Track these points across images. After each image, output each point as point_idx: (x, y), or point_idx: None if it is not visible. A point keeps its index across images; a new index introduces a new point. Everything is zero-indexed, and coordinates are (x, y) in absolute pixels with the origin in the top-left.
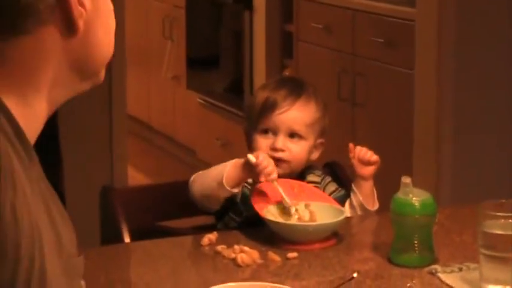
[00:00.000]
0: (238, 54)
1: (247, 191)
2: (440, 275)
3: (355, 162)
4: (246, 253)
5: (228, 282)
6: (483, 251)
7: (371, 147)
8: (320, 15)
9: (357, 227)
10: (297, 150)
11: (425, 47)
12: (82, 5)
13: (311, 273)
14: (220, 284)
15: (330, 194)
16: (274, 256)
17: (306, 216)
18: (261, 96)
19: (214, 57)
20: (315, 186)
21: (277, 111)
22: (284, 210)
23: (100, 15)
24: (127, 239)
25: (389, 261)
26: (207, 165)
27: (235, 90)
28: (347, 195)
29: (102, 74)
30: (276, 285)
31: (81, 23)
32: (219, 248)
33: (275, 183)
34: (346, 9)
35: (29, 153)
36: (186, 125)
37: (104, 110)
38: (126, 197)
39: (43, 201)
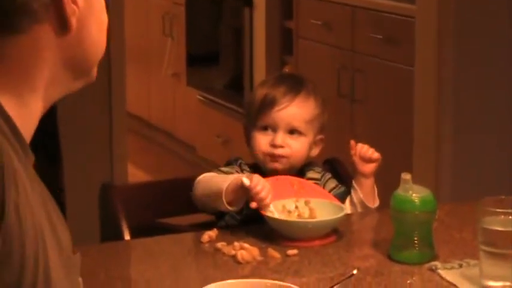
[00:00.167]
0: (238, 51)
1: None
2: (440, 271)
3: (356, 159)
4: (246, 250)
5: (228, 279)
6: (483, 247)
7: (371, 144)
8: (320, 12)
9: (357, 224)
10: (296, 147)
11: (425, 44)
12: (75, 2)
13: (311, 270)
14: (220, 281)
15: (330, 191)
16: (274, 253)
17: (306, 213)
18: (260, 93)
19: (214, 54)
20: (315, 183)
21: (277, 108)
22: (284, 207)
23: (93, 12)
24: (127, 236)
25: (390, 257)
26: (207, 162)
27: (235, 87)
28: (347, 192)
29: (95, 71)
30: (276, 282)
31: (74, 21)
32: (219, 245)
33: (271, 207)
34: (345, 6)
35: (26, 152)
36: (186, 122)
37: (103, 108)
38: (126, 194)
39: (42, 199)
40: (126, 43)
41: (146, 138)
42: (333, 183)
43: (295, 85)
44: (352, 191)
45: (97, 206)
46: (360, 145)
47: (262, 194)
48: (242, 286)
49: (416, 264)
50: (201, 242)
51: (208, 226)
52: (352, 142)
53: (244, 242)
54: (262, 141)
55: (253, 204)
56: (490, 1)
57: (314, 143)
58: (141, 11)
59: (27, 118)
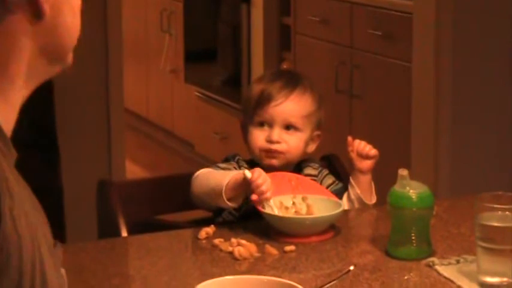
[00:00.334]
0: (236, 48)
1: None
2: (437, 267)
3: (353, 155)
4: (243, 246)
5: (226, 275)
6: (480, 243)
7: (368, 140)
8: (317, 8)
9: (354, 220)
10: (293, 142)
11: (423, 40)
12: None
13: (308, 266)
14: (217, 277)
15: (327, 187)
16: (271, 249)
17: (303, 209)
18: (256, 89)
19: (212, 50)
20: (312, 179)
21: (273, 104)
22: (281, 203)
23: None
24: (124, 233)
25: (387, 254)
26: (205, 158)
27: (233, 83)
28: (344, 188)
29: (71, 56)
30: (273, 278)
31: (47, 8)
32: (217, 241)
33: (271, 201)
34: (343, 2)
35: (8, 148)
36: (184, 118)
37: (101, 104)
38: (123, 191)
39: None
40: (123, 39)
41: (144, 134)
42: (330, 179)
43: (291, 81)
44: (350, 187)
45: (95, 203)
46: (357, 141)
47: (264, 187)
48: (239, 282)
49: (414, 260)
50: (199, 239)
51: (205, 223)
52: (350, 138)
53: (242, 238)
54: (259, 137)
55: (254, 197)
56: None
57: (311, 139)
58: (139, 7)
59: (7, 113)
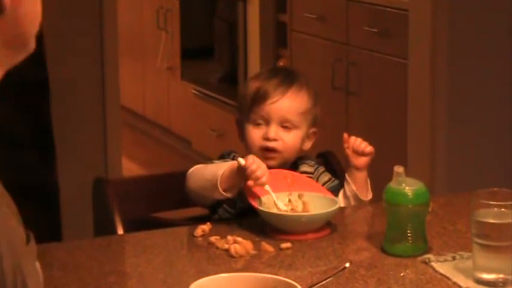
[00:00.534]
0: (233, 45)
1: None
2: (433, 264)
3: (349, 152)
4: (239, 244)
5: (222, 273)
6: (476, 240)
7: (365, 137)
8: (314, 5)
9: (350, 217)
10: (289, 140)
11: (419, 37)
12: None
13: (304, 263)
14: (213, 274)
15: (323, 184)
16: (267, 247)
17: (299, 206)
18: (252, 86)
19: (208, 48)
20: (308, 177)
21: (269, 101)
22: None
23: None
24: (120, 231)
25: (383, 250)
26: (202, 156)
27: (230, 80)
28: (340, 185)
29: (33, 42)
30: (269, 275)
31: (8, 1)
32: (213, 238)
33: (266, 186)
34: None
35: None
36: (181, 115)
37: (97, 102)
38: (120, 188)
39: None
40: (120, 37)
41: (141, 132)
42: (326, 176)
43: (287, 78)
44: (345, 184)
45: (91, 200)
46: (353, 138)
47: (258, 173)
48: (235, 280)
49: (410, 257)
50: (195, 236)
51: (202, 220)
52: (345, 135)
53: (238, 235)
54: (255, 134)
55: (250, 183)
56: None
57: (307, 136)
58: (135, 5)
59: None
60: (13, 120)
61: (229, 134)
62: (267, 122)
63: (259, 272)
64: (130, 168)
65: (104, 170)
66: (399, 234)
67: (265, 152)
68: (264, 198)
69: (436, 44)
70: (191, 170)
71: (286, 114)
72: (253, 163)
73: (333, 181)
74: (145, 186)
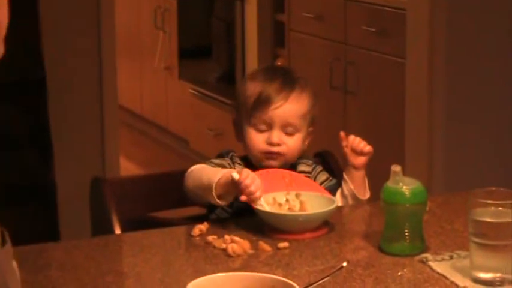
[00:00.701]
0: (230, 45)
1: None
2: (431, 263)
3: (347, 151)
4: (236, 243)
5: (219, 272)
6: (473, 239)
7: (363, 136)
8: (311, 5)
9: (347, 216)
10: (292, 143)
11: (417, 36)
12: None
13: (302, 262)
14: (211, 274)
15: (320, 184)
16: (265, 246)
17: (297, 206)
18: (252, 89)
19: (206, 47)
20: (306, 176)
21: (272, 106)
22: (275, 200)
23: None
24: (118, 230)
25: (380, 250)
26: (200, 155)
27: (228, 80)
28: (338, 185)
29: (2, 47)
30: (266, 275)
31: None
32: (210, 238)
33: (262, 200)
34: None
35: None
36: (179, 115)
37: (95, 101)
38: (117, 188)
39: None
40: (117, 37)
41: (138, 131)
42: (323, 176)
43: (288, 80)
44: (343, 183)
45: (88, 200)
46: (352, 137)
47: (252, 188)
48: (233, 279)
49: (407, 256)
50: (192, 236)
51: (199, 220)
52: (342, 134)
53: (235, 235)
54: (258, 139)
55: (243, 198)
56: None
57: (306, 136)
58: (133, 4)
59: None
60: (11, 119)
61: (227, 134)
62: (270, 126)
63: (257, 272)
64: (128, 167)
65: (102, 170)
66: (397, 233)
67: (268, 155)
68: (261, 199)
69: (434, 43)
70: (190, 170)
71: (288, 119)
72: (247, 178)
73: (331, 180)
74: (143, 186)
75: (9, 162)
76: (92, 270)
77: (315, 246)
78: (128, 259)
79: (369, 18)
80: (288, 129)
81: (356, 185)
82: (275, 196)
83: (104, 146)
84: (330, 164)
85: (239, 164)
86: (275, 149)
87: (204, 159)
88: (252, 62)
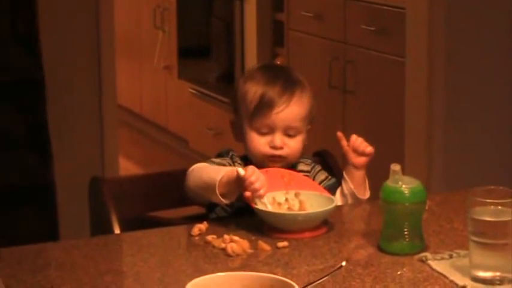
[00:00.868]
0: (230, 44)
1: None
2: (430, 262)
3: (349, 150)
4: (236, 243)
5: (218, 272)
6: (473, 237)
7: (362, 135)
8: (311, 4)
9: (347, 216)
10: (294, 145)
11: (416, 35)
12: None
13: (301, 262)
14: (210, 273)
15: (320, 183)
16: (264, 245)
17: (296, 205)
18: (253, 92)
19: (205, 47)
20: (305, 175)
21: (275, 111)
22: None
23: None
24: (117, 230)
25: (380, 249)
26: (199, 154)
27: (227, 79)
28: (337, 184)
29: None
30: (265, 274)
31: None
32: (209, 237)
33: (264, 199)
34: None
35: None
36: (178, 114)
37: (94, 101)
38: (116, 187)
39: None
40: (117, 36)
41: (138, 131)
42: (322, 175)
43: (290, 83)
44: (343, 182)
45: (87, 199)
46: (354, 137)
47: (257, 185)
48: (232, 279)
49: (407, 255)
50: (191, 235)
51: (198, 219)
52: (339, 134)
53: (235, 234)
54: (260, 142)
55: (248, 194)
56: None
57: (306, 136)
58: (132, 4)
59: None
60: (9, 119)
61: (226, 133)
62: (272, 129)
63: (256, 271)
64: (127, 167)
65: (101, 169)
66: (396, 232)
67: (271, 158)
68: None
69: (433, 42)
70: (191, 168)
71: (291, 122)
72: (253, 174)
73: (330, 179)
74: (142, 186)
75: (8, 162)
76: (91, 270)
77: (314, 246)
78: (127, 259)
79: (368, 17)
80: (289, 131)
81: (356, 184)
82: (274, 195)
83: (103, 145)
84: (329, 163)
85: (239, 163)
86: (278, 152)
87: (203, 158)
88: (251, 61)
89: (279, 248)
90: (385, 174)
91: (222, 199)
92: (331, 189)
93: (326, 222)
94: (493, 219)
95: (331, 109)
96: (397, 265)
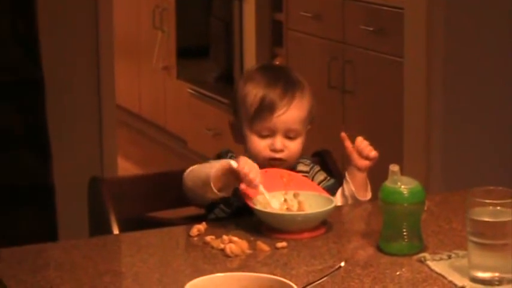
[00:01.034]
0: (229, 44)
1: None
2: (429, 262)
3: (353, 151)
4: (234, 243)
5: (217, 272)
6: (471, 238)
7: (361, 135)
8: (309, 4)
9: (346, 216)
10: (294, 147)
11: (415, 35)
12: None
13: (300, 262)
14: (209, 274)
15: (318, 184)
16: (263, 246)
17: (295, 205)
18: (253, 94)
19: (204, 47)
20: (304, 176)
21: (276, 114)
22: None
23: None
24: (116, 230)
25: (379, 249)
26: (198, 155)
27: (226, 80)
28: (336, 185)
29: None
30: (264, 275)
31: None
32: (208, 238)
33: (260, 187)
34: None
35: None
36: (177, 115)
37: (93, 101)
38: (115, 188)
39: None
40: (116, 36)
41: (136, 131)
42: (321, 175)
43: (290, 85)
44: (344, 183)
45: (86, 200)
46: (360, 139)
47: (251, 175)
48: (231, 279)
49: (405, 255)
50: (190, 236)
51: (197, 219)
52: (343, 134)
53: (233, 235)
54: (261, 145)
55: (242, 186)
56: None
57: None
58: (131, 4)
59: None
60: (8, 119)
61: (225, 134)
62: (273, 132)
63: (255, 272)
64: (126, 167)
65: (100, 169)
66: (395, 233)
67: (272, 161)
68: (259, 198)
69: (431, 43)
70: (187, 170)
71: (291, 125)
72: (245, 166)
73: (329, 180)
74: (140, 186)
75: (7, 162)
76: (90, 270)
77: (313, 246)
78: (126, 259)
79: (366, 18)
80: (290, 134)
81: (358, 185)
82: (273, 196)
83: (102, 145)
84: (328, 164)
85: None
86: (279, 155)
87: (202, 159)
88: (250, 61)
89: (277, 249)
90: (384, 174)
91: (218, 193)
92: (330, 190)
93: (325, 223)
94: (492, 219)
95: (330, 109)
96: (396, 265)
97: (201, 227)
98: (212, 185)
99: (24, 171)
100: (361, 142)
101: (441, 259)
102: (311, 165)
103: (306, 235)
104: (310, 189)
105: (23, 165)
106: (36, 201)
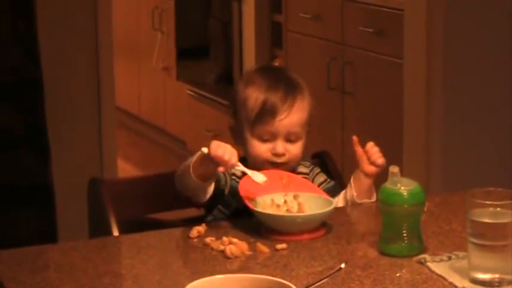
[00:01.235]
0: (228, 45)
1: (235, 184)
2: (429, 264)
3: (363, 156)
4: (234, 245)
5: (217, 274)
6: (471, 239)
7: (360, 137)
8: (309, 5)
9: (345, 217)
10: (295, 150)
11: (414, 36)
12: None
13: (300, 264)
14: (208, 276)
15: (318, 185)
16: (262, 247)
17: (295, 207)
18: (254, 98)
19: (204, 48)
20: (304, 177)
21: (277, 118)
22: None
23: None
24: (115, 232)
25: (378, 251)
26: None
27: (225, 81)
28: (336, 187)
29: None
30: (264, 276)
31: None
32: (208, 239)
33: (240, 166)
34: None
35: None
36: (177, 116)
37: (92, 102)
38: (115, 189)
39: None
40: (115, 37)
41: (136, 132)
42: (321, 177)
43: (291, 88)
44: (348, 187)
45: (86, 201)
46: (370, 144)
47: (226, 157)
48: (231, 281)
49: (405, 257)
50: (190, 237)
51: (197, 221)
52: (355, 138)
53: (233, 236)
54: (262, 149)
55: (221, 169)
56: None
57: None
58: (131, 5)
59: None
60: (7, 120)
61: (224, 135)
62: (274, 136)
63: (255, 273)
64: (125, 168)
65: (99, 171)
66: (394, 234)
67: (273, 165)
68: (259, 199)
69: (431, 44)
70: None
71: (292, 128)
72: (218, 149)
73: (329, 182)
74: (140, 187)
75: (7, 162)
76: (89, 272)
77: (313, 248)
78: (125, 261)
79: (366, 19)
80: (291, 137)
81: (361, 191)
82: (273, 197)
83: (102, 147)
84: (327, 165)
85: (238, 165)
86: (280, 159)
87: None
88: (249, 62)
89: (277, 250)
90: (384, 175)
91: (199, 182)
92: (331, 192)
93: (325, 224)
94: (492, 220)
95: (330, 110)
96: (396, 267)
97: (201, 228)
98: (192, 175)
99: (24, 171)
100: (372, 147)
101: (441, 260)
102: (311, 167)
103: (305, 236)
104: (310, 190)
105: (23, 165)
106: (36, 202)
